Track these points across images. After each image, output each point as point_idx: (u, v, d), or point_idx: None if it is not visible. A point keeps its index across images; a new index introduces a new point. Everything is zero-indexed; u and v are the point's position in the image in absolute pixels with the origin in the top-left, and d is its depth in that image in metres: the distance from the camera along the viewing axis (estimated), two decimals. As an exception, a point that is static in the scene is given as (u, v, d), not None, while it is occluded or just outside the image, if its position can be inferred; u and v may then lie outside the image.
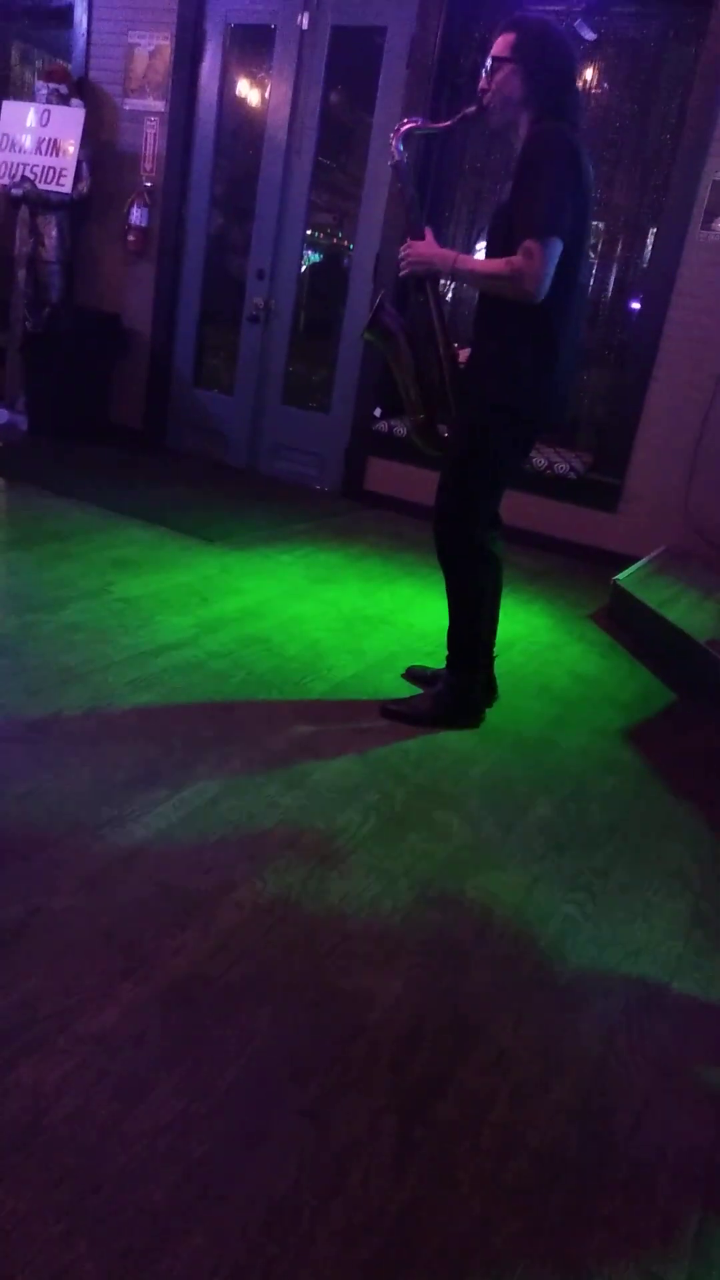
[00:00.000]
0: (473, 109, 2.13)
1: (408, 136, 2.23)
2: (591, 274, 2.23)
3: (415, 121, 2.29)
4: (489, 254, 2.12)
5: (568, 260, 2.00)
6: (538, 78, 2.03)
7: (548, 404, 2.15)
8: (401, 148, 2.22)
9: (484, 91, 2.10)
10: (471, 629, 2.31)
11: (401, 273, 2.19)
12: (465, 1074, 1.29)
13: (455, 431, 2.24)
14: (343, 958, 1.46)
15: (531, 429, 2.22)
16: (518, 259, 1.97)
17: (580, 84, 2.18)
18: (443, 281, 2.34)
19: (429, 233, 2.18)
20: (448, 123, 2.25)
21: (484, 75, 2.10)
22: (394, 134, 2.23)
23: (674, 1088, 1.33)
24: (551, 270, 1.97)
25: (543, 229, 1.94)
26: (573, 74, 2.11)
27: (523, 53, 2.03)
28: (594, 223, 2.21)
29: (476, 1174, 1.14)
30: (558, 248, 1.96)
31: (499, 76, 2.05)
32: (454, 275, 2.15)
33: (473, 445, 2.18)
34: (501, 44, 2.06)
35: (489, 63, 2.07)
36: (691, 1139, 1.25)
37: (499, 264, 2.02)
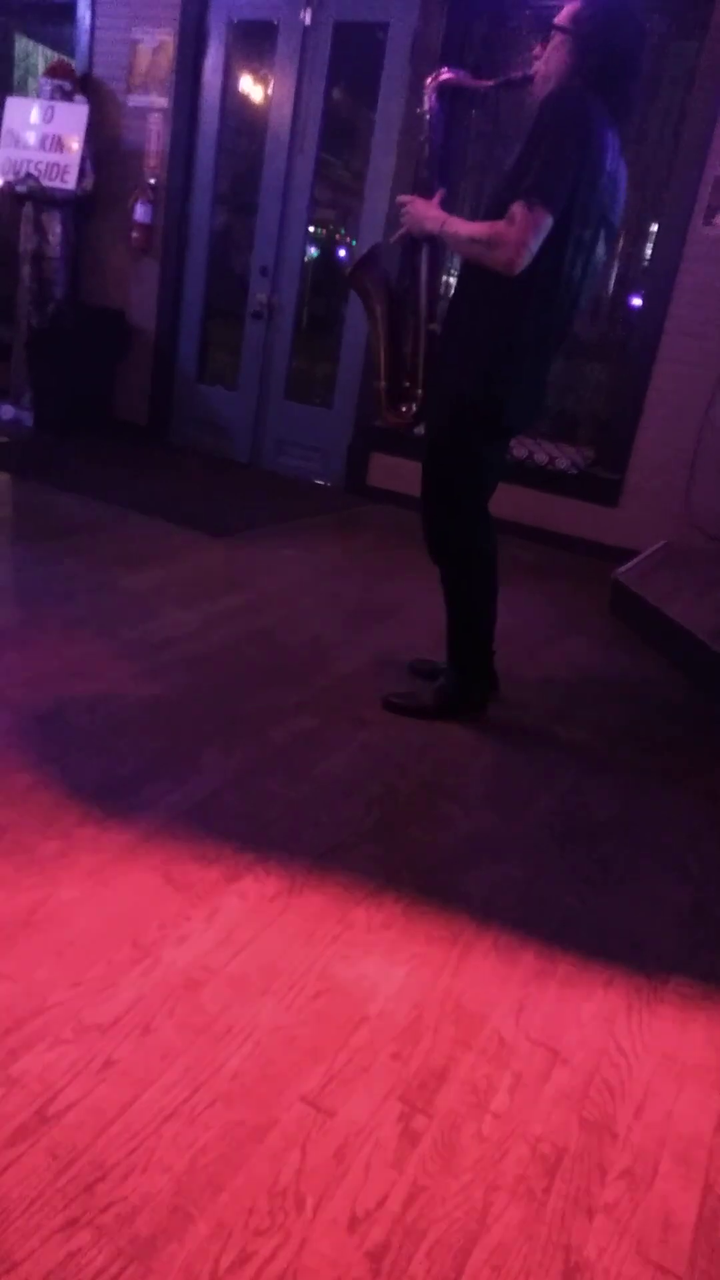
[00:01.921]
0: (519, 74, 1.98)
1: (443, 89, 2.06)
2: (594, 270, 2.04)
3: (453, 73, 2.08)
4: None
5: (556, 248, 1.85)
6: (592, 58, 1.85)
7: (509, 403, 2.04)
8: (435, 99, 2.06)
9: (537, 58, 1.94)
10: (468, 624, 2.30)
11: (395, 235, 2.08)
12: (467, 1063, 1.29)
13: (427, 427, 2.17)
14: (345, 948, 1.47)
15: (500, 434, 2.13)
16: (499, 223, 1.82)
17: (638, 80, 1.93)
18: (448, 267, 2.24)
19: (439, 195, 2.05)
20: (490, 83, 2.07)
21: (540, 43, 1.94)
22: (429, 80, 2.07)
23: (675, 1077, 1.33)
24: (535, 243, 1.80)
25: (532, 194, 1.78)
26: (635, 64, 1.89)
27: (581, 26, 1.85)
28: (608, 225, 2.02)
29: (478, 1163, 1.15)
30: (546, 220, 1.79)
31: (552, 45, 1.90)
32: (442, 236, 2.01)
33: (443, 443, 2.13)
34: (565, 11, 1.89)
35: (551, 28, 1.91)
36: (693, 1128, 1.25)
37: (482, 227, 1.87)
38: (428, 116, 2.09)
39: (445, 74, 2.08)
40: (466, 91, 2.17)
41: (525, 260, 1.82)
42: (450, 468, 2.15)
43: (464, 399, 2.06)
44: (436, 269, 2.13)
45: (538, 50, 1.96)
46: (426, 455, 2.17)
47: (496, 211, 1.91)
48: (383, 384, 2.21)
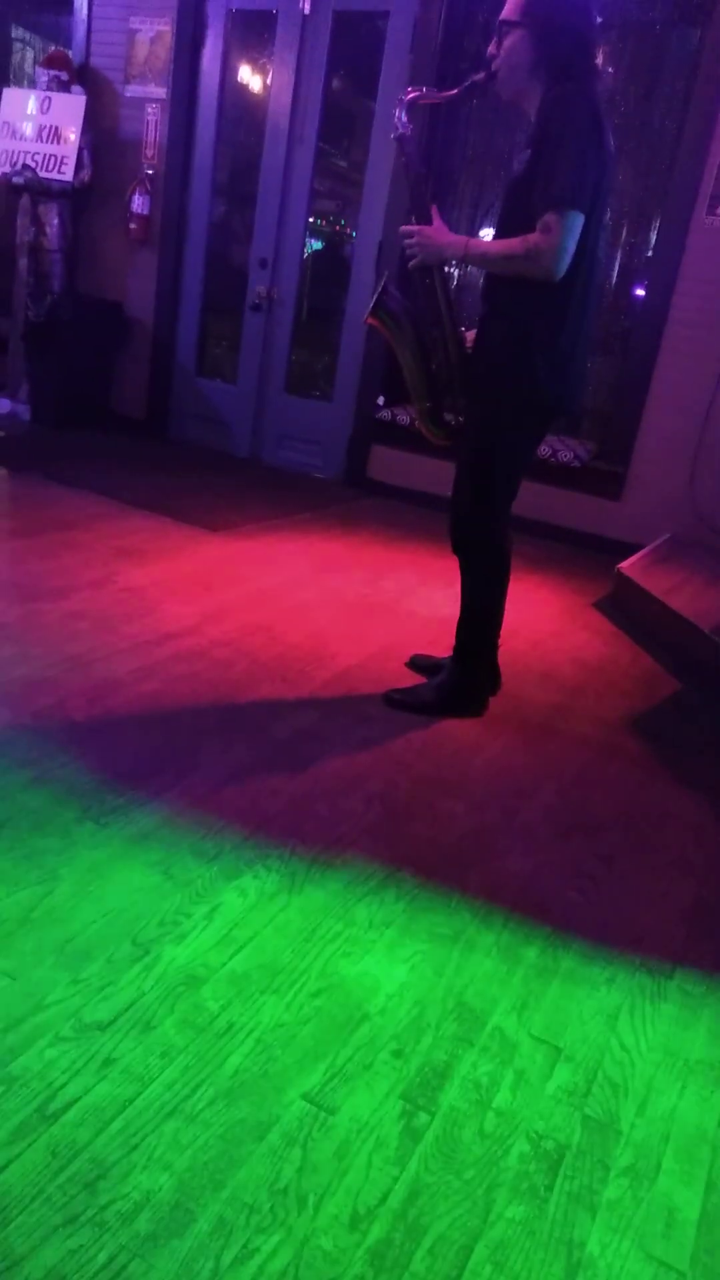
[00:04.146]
0: (481, 76, 2.03)
1: (413, 107, 2.13)
2: (603, 250, 2.12)
3: (419, 91, 2.18)
4: (500, 232, 2.04)
5: (584, 236, 1.91)
6: (549, 43, 1.91)
7: (560, 391, 2.07)
8: (406, 119, 2.12)
9: (493, 57, 1.99)
10: (481, 619, 2.30)
11: (410, 264, 2.10)
12: (469, 1060, 1.29)
13: (467, 426, 2.19)
14: (347, 945, 1.47)
15: (545, 418, 2.15)
16: (534, 235, 1.88)
17: (599, 50, 2.03)
18: (450, 265, 2.28)
19: (436, 214, 2.09)
20: (454, 91, 2.13)
21: (493, 40, 1.99)
22: (398, 104, 2.14)
23: (679, 1073, 1.33)
24: (572, 245, 1.88)
25: (562, 200, 1.84)
26: (589, 37, 1.96)
27: (533, 15, 1.91)
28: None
29: (480, 1160, 1.15)
30: (579, 221, 1.86)
31: (508, 42, 1.95)
32: (467, 261, 2.06)
33: (486, 439, 2.13)
34: (511, 5, 1.94)
35: (498, 24, 1.96)
36: (696, 1123, 1.25)
37: (515, 243, 1.93)
38: (405, 136, 2.14)
39: (412, 93, 2.15)
40: (437, 104, 2.23)
41: (565, 264, 1.90)
42: (498, 467, 2.15)
43: (524, 391, 2.06)
44: (446, 278, 2.19)
45: (492, 49, 2.00)
46: (472, 456, 2.16)
47: (518, 218, 1.94)
48: (426, 404, 2.23)
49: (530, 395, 2.07)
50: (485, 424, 2.14)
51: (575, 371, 2.09)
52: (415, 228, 2.09)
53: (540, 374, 2.04)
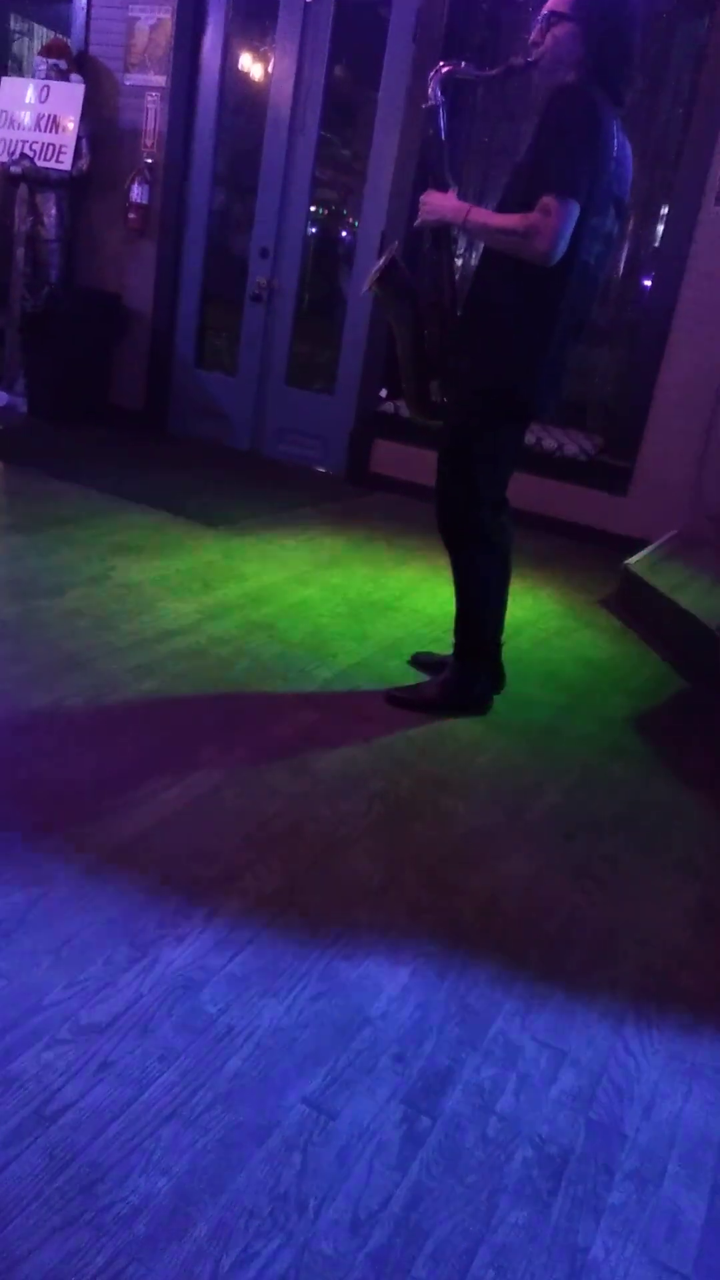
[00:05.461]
0: (521, 61, 2.00)
1: (447, 80, 2.08)
2: (610, 249, 2.11)
3: (456, 65, 2.10)
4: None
5: (574, 238, 1.91)
6: (597, 42, 1.90)
7: (529, 395, 2.07)
8: (439, 93, 2.08)
9: (535, 45, 1.97)
10: (478, 615, 2.28)
11: (416, 222, 2.11)
12: (471, 1064, 1.28)
13: (449, 415, 2.18)
14: (348, 947, 1.45)
15: (517, 417, 2.15)
16: (534, 215, 1.88)
17: (636, 59, 2.04)
18: (457, 252, 2.25)
19: (453, 190, 2.08)
20: (493, 72, 2.08)
21: (537, 27, 1.96)
22: (432, 75, 2.09)
23: (684, 1077, 1.32)
24: (569, 231, 1.88)
25: (562, 186, 1.85)
26: (634, 45, 1.96)
27: (586, 12, 1.90)
28: (617, 205, 2.09)
29: (483, 1164, 1.14)
30: (575, 209, 1.87)
31: (555, 33, 1.93)
32: (465, 228, 2.04)
33: (466, 429, 2.13)
34: None
35: (545, 14, 1.94)
36: (700, 1127, 1.24)
37: (515, 219, 1.93)
38: (437, 109, 2.09)
39: (447, 66, 2.10)
40: (470, 81, 2.17)
41: (562, 249, 1.89)
42: (475, 455, 2.15)
43: (494, 388, 2.08)
44: (454, 259, 2.17)
45: (535, 36, 1.98)
46: (448, 443, 2.17)
47: (515, 205, 1.94)
48: (413, 384, 2.22)
49: (500, 395, 2.07)
50: (462, 415, 2.14)
51: (550, 378, 2.08)
52: (428, 192, 2.09)
53: (517, 376, 2.05)
